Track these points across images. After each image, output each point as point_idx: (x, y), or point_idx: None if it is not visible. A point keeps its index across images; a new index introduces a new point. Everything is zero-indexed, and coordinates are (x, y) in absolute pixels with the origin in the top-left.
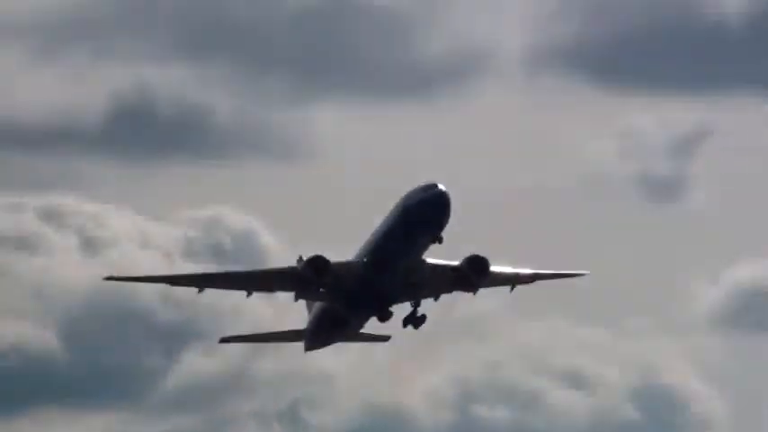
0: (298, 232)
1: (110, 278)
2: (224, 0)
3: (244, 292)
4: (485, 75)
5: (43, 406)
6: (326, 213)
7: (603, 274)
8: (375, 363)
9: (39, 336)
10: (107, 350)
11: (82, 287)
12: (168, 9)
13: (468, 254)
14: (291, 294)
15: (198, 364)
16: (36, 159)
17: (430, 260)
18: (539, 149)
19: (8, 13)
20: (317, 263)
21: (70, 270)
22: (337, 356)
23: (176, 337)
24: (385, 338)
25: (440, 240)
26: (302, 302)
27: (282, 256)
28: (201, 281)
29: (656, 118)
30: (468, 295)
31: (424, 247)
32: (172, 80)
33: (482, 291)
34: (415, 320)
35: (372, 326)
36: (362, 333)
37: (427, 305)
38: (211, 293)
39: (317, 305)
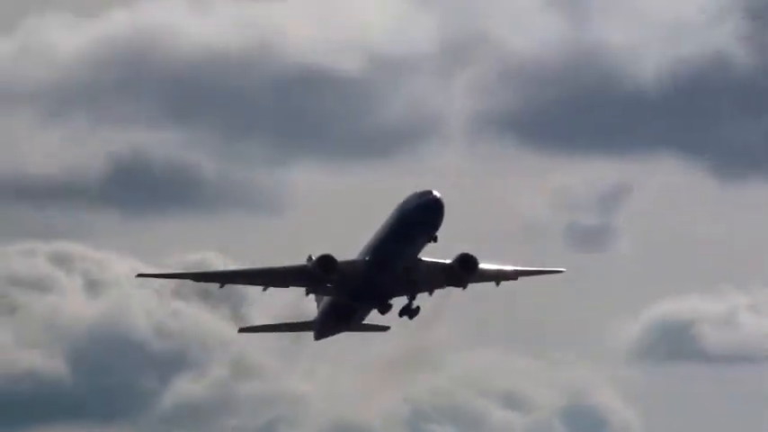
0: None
1: (141, 275)
2: (210, 71)
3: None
4: (434, 138)
5: (51, 423)
6: (298, 256)
7: (538, 310)
8: (341, 385)
9: (48, 363)
10: (107, 375)
11: (86, 321)
12: (160, 79)
13: (458, 253)
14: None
15: (186, 387)
16: (46, 212)
17: (425, 258)
18: (480, 202)
19: (19, 82)
20: (325, 261)
21: (76, 307)
22: (308, 378)
23: (167, 365)
24: (385, 329)
25: (435, 239)
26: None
27: (260, 296)
28: (224, 277)
29: (582, 176)
30: (458, 290)
31: (421, 247)
32: (164, 142)
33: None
34: (410, 312)
35: (372, 317)
36: (365, 324)
37: (421, 299)
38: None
39: (326, 299)
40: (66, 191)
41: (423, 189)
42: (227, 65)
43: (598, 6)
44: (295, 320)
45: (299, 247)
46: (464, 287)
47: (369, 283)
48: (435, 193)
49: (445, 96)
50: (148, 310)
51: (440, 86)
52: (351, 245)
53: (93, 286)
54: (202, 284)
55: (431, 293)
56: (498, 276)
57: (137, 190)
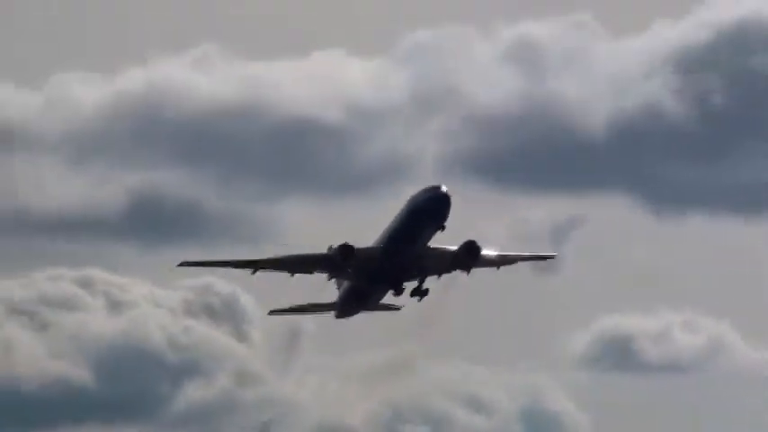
0: (269, 295)
1: (183, 264)
2: (213, 121)
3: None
4: (407, 177)
5: (77, 424)
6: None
7: (501, 324)
8: (329, 391)
9: (74, 372)
10: (126, 382)
11: (108, 337)
12: (170, 128)
13: (463, 240)
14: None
15: (195, 393)
16: (73, 242)
17: (433, 246)
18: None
19: (48, 131)
20: (345, 249)
21: (99, 324)
22: (300, 384)
23: (178, 373)
24: (397, 308)
25: (443, 228)
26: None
27: (257, 313)
28: (256, 265)
29: (537, 211)
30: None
31: (430, 236)
32: (174, 182)
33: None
34: (420, 293)
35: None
36: (380, 303)
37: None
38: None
39: (345, 283)
40: (90, 224)
41: (431, 185)
42: (228, 116)
43: (551, 63)
44: (318, 302)
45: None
46: (468, 272)
47: (384, 268)
48: (443, 187)
49: (416, 142)
50: (162, 326)
51: (412, 133)
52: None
53: (113, 306)
54: (209, 303)
55: (439, 277)
56: (498, 262)
57: (150, 223)
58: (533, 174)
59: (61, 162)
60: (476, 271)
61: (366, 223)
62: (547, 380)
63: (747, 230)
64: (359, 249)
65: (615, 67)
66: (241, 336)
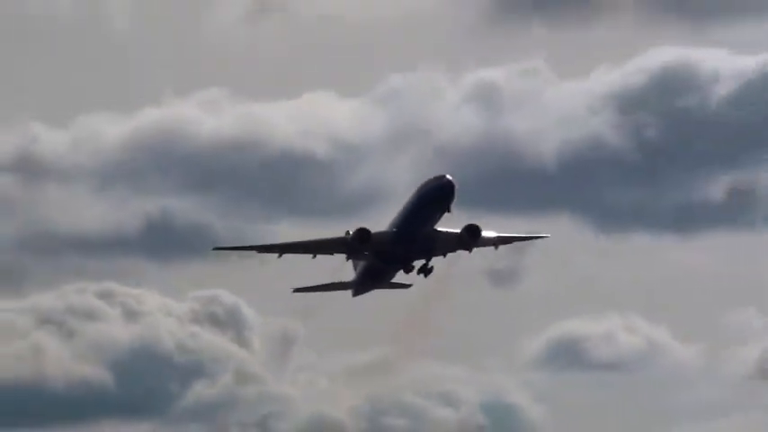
0: (269, 306)
1: (217, 248)
2: (218, 154)
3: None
4: (384, 202)
5: (98, 419)
6: (286, 284)
7: (468, 329)
8: (316, 388)
9: (96, 373)
10: (140, 382)
11: (124, 342)
12: (180, 160)
13: (465, 223)
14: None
15: (200, 390)
16: (95, 260)
17: (439, 229)
18: None
19: (74, 162)
20: (362, 233)
21: (117, 331)
22: (292, 383)
23: (186, 374)
24: (407, 286)
25: (449, 210)
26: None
27: (258, 322)
28: (283, 248)
29: (497, 231)
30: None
31: (437, 220)
32: (184, 207)
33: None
34: (426, 271)
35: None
36: (392, 282)
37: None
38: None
39: (361, 263)
40: (110, 244)
41: (437, 174)
42: (230, 149)
43: (508, 103)
44: (337, 281)
45: (283, 279)
46: (470, 251)
47: (396, 249)
48: (448, 176)
49: (393, 171)
50: (172, 332)
51: (389, 164)
52: (320, 274)
53: (129, 315)
54: (213, 312)
55: (444, 256)
56: (497, 242)
57: (163, 242)
58: (494, 198)
59: (86, 190)
60: (466, 265)
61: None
62: (507, 377)
63: (679, 245)
64: (374, 233)
65: (563, 107)
66: (241, 341)
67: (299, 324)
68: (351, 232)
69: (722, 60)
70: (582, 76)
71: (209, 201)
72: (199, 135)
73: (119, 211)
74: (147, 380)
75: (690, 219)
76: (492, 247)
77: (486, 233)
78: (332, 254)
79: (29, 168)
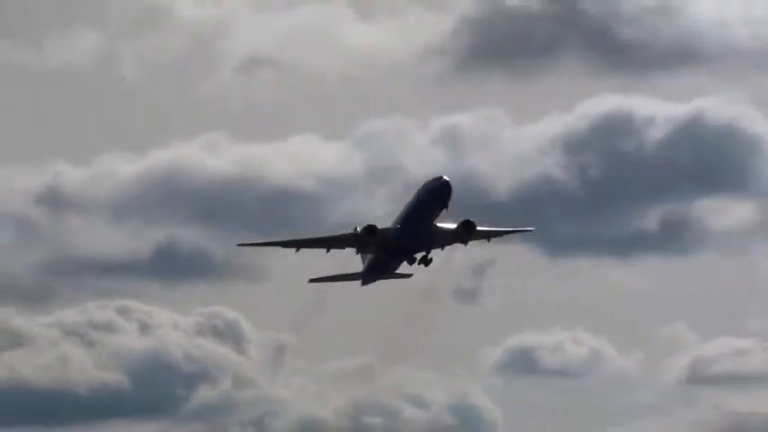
0: (263, 320)
1: (241, 245)
2: (219, 189)
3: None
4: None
5: (116, 419)
6: (284, 304)
7: (439, 341)
8: (305, 391)
9: (114, 378)
10: (152, 386)
11: (138, 352)
12: (186, 194)
13: (461, 219)
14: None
15: (204, 393)
16: (113, 281)
17: (438, 224)
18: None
19: (93, 196)
20: (370, 229)
21: (132, 342)
22: (284, 387)
23: (192, 379)
24: (409, 276)
25: (447, 207)
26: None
27: (257, 337)
28: (301, 243)
29: (461, 254)
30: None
31: (436, 216)
32: (189, 235)
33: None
34: (426, 262)
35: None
36: (396, 272)
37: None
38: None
39: (369, 256)
40: (125, 267)
41: (435, 176)
42: (229, 185)
43: (470, 145)
44: (348, 272)
45: (279, 306)
46: (466, 244)
47: (400, 243)
48: (445, 177)
49: (370, 205)
50: (179, 343)
51: (367, 197)
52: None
53: (143, 329)
54: (215, 326)
55: (442, 249)
56: (489, 235)
57: (171, 266)
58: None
59: (104, 220)
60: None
61: (333, 262)
62: (470, 382)
63: (618, 268)
64: (380, 229)
65: (517, 148)
66: (240, 350)
67: (289, 335)
68: (359, 229)
69: (656, 108)
70: (534, 121)
71: (211, 230)
72: (201, 173)
73: (132, 238)
74: (157, 384)
75: (627, 245)
76: (485, 240)
77: (480, 228)
78: (343, 248)
79: (54, 202)
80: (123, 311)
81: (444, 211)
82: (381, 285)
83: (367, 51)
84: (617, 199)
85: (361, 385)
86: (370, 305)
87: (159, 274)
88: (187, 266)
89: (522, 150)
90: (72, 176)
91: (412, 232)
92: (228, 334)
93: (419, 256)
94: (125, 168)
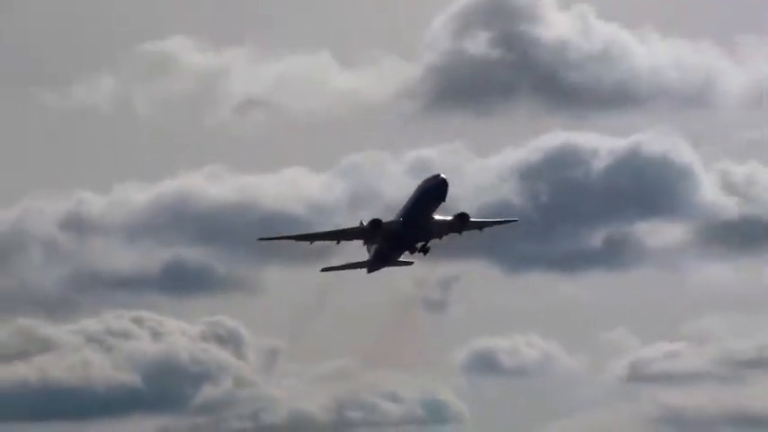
0: (259, 329)
1: (261, 239)
2: (221, 215)
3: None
4: (346, 250)
5: (132, 414)
6: (277, 315)
7: (412, 345)
8: (295, 390)
9: (129, 378)
10: (164, 385)
11: (151, 355)
12: (192, 219)
13: (456, 212)
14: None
15: (208, 392)
16: (128, 294)
17: (436, 217)
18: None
19: (111, 221)
20: (375, 223)
21: (145, 347)
22: (277, 386)
23: (198, 379)
24: (410, 263)
25: (444, 200)
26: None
27: (254, 342)
28: (314, 237)
29: (430, 272)
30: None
31: (434, 210)
32: (194, 255)
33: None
34: (425, 250)
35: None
36: (399, 260)
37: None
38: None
39: (374, 246)
40: (139, 282)
41: (433, 174)
42: (228, 211)
43: (436, 170)
44: (356, 261)
45: (273, 311)
46: (460, 233)
47: (402, 235)
48: (443, 175)
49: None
50: (187, 348)
51: (349, 220)
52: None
53: (155, 335)
54: (218, 333)
55: (440, 238)
56: (480, 225)
57: (179, 281)
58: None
59: (121, 241)
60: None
61: (319, 277)
62: (439, 380)
63: (567, 282)
64: (384, 222)
65: (479, 177)
66: (239, 355)
67: (282, 341)
68: (364, 222)
69: (599, 142)
70: (493, 154)
71: (214, 249)
72: (205, 199)
73: (145, 257)
74: (168, 384)
75: (575, 262)
76: (477, 230)
77: (473, 219)
78: (351, 240)
79: (77, 225)
80: (137, 320)
81: (443, 203)
82: (365, 297)
83: (348, 95)
84: (566, 221)
85: (343, 384)
86: (353, 316)
87: (169, 288)
88: (193, 281)
89: (482, 179)
90: (93, 203)
91: (413, 224)
92: (229, 340)
93: (419, 246)
94: (139, 196)
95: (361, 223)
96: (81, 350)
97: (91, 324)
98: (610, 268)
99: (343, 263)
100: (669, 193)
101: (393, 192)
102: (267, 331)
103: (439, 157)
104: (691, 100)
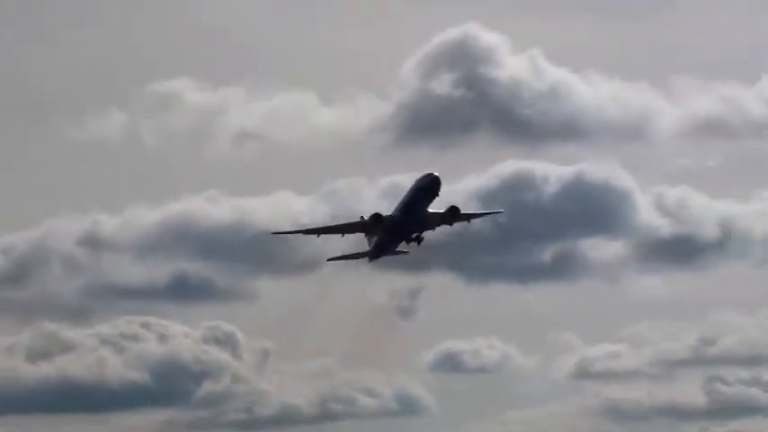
0: (252, 333)
1: (275, 233)
2: (218, 235)
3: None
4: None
5: (141, 407)
6: (268, 320)
7: (386, 346)
8: (285, 385)
9: (139, 376)
10: (169, 382)
11: (158, 356)
12: (194, 238)
13: (448, 205)
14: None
15: (209, 388)
16: (138, 302)
17: (430, 210)
18: (351, 285)
19: (123, 239)
20: (376, 217)
21: (153, 349)
22: (269, 382)
23: (199, 377)
24: (406, 253)
25: (438, 195)
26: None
27: (248, 344)
28: (321, 230)
29: (399, 284)
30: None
31: (428, 204)
32: (196, 269)
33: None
34: (419, 240)
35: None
36: (396, 250)
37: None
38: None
39: (374, 238)
40: (148, 292)
41: (427, 173)
42: (225, 230)
43: None
44: (358, 251)
45: (265, 317)
46: (451, 225)
47: (400, 228)
48: (435, 173)
49: (334, 244)
50: (190, 349)
51: (333, 240)
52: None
53: (161, 338)
54: (217, 336)
55: (433, 230)
56: (469, 217)
57: (183, 291)
58: (398, 261)
59: (131, 257)
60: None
61: (310, 288)
62: (411, 377)
63: (522, 291)
64: (385, 216)
65: (444, 201)
66: (236, 355)
67: (272, 343)
68: (365, 217)
69: (549, 170)
70: (456, 181)
71: (213, 264)
72: (206, 220)
73: (153, 270)
74: (173, 381)
75: (529, 274)
76: (465, 222)
77: (463, 212)
78: (354, 233)
79: (93, 243)
80: (146, 325)
81: (437, 198)
82: (345, 305)
83: (329, 128)
84: (521, 238)
85: (326, 381)
86: (335, 322)
87: (174, 297)
88: (195, 291)
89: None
90: (107, 223)
91: (410, 218)
92: (227, 342)
93: (414, 236)
94: (147, 216)
95: (362, 218)
96: (97, 351)
97: (105, 328)
98: (559, 279)
99: (347, 253)
100: (610, 214)
101: (369, 212)
102: (260, 335)
103: (410, 182)
104: (629, 133)
